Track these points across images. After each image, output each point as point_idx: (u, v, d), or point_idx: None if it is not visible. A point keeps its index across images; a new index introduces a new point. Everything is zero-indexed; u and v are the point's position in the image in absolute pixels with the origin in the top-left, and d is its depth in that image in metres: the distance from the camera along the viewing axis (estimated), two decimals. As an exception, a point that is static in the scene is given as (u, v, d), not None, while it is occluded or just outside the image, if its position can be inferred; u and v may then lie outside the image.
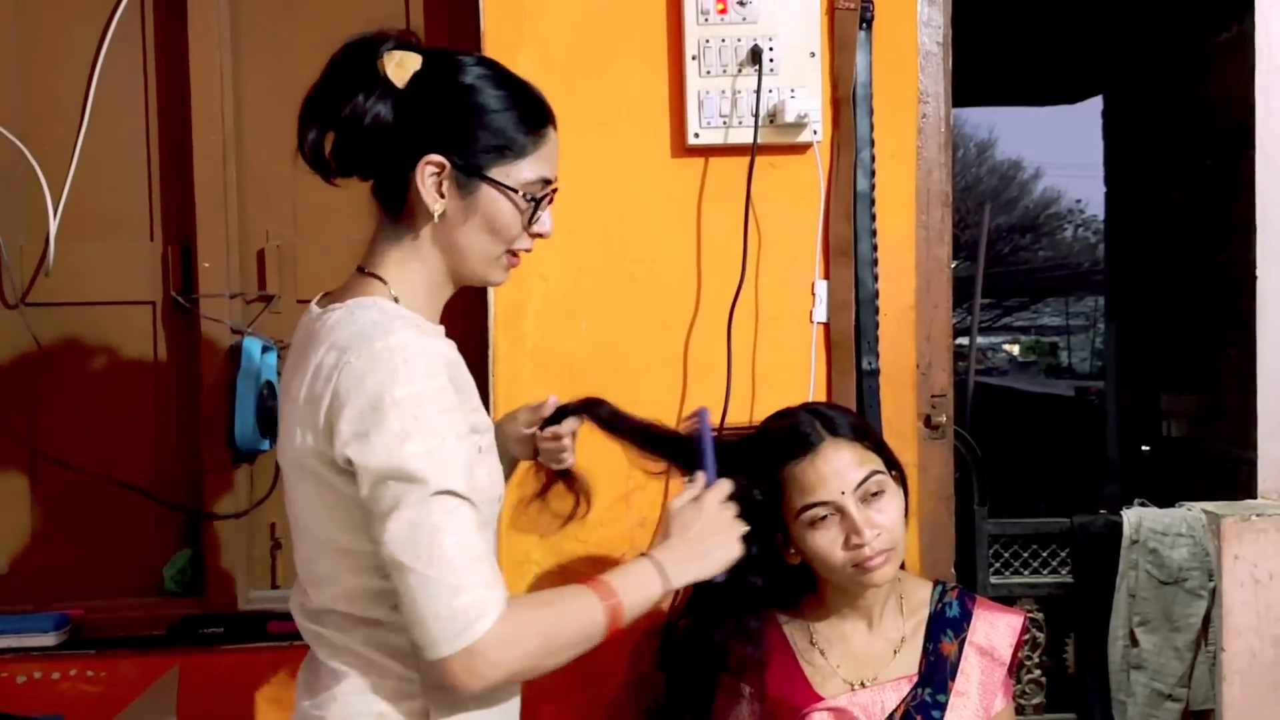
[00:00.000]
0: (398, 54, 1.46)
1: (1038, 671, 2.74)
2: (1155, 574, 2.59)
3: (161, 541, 2.50)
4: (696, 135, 2.27)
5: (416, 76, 1.46)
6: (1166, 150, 5.97)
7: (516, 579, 2.27)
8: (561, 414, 1.73)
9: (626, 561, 2.18)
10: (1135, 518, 2.62)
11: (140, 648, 2.32)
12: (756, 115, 2.22)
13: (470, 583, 1.32)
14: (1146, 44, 5.90)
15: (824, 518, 1.67)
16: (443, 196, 1.46)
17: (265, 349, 2.41)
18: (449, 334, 1.56)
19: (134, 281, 2.48)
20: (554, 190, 1.55)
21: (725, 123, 2.26)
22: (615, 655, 2.18)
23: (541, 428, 1.74)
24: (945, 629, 1.77)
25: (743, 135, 2.24)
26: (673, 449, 1.72)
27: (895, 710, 1.71)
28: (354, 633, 1.45)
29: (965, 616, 1.78)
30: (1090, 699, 2.65)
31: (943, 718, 1.71)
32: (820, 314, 2.32)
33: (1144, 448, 6.30)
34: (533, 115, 1.50)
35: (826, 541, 1.68)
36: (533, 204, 1.50)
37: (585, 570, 2.26)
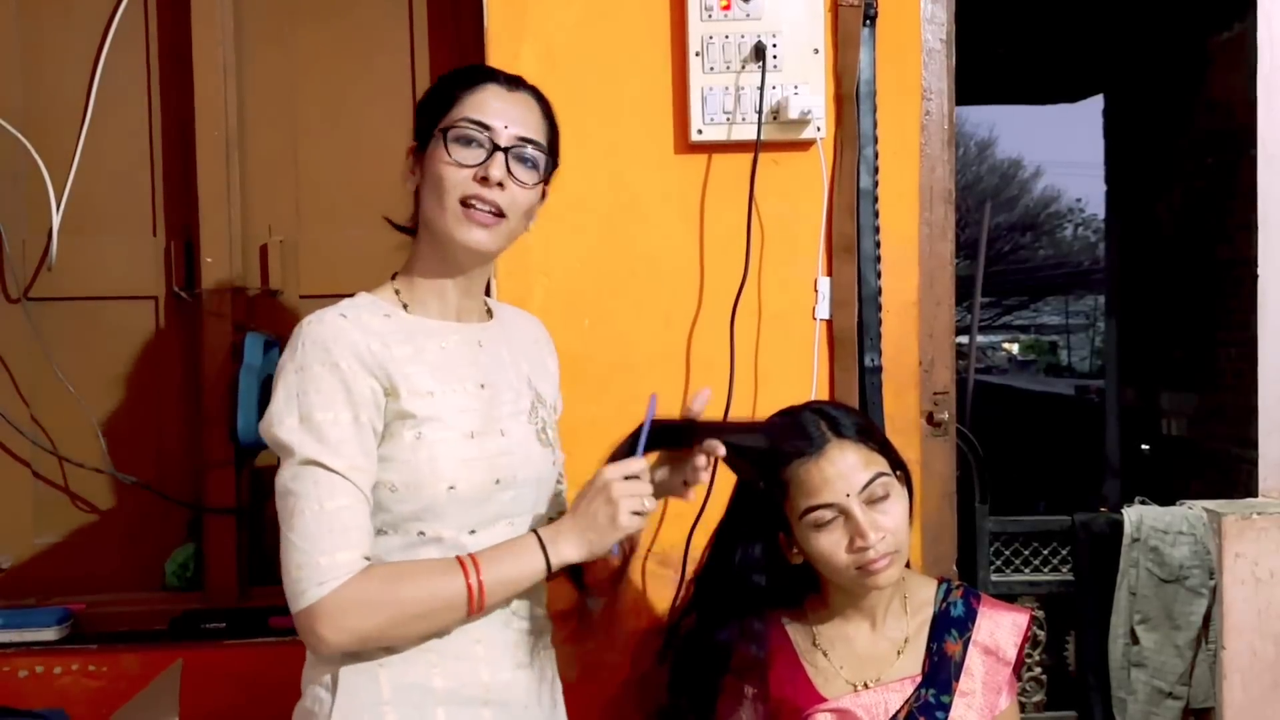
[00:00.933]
0: None
1: (1038, 669, 2.74)
2: (1156, 572, 2.59)
3: (163, 536, 2.50)
4: (700, 132, 2.26)
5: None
6: (1167, 149, 5.97)
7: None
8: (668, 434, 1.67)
9: (645, 569, 2.24)
10: (1136, 516, 2.62)
11: (142, 642, 2.32)
12: (760, 112, 2.22)
13: (322, 548, 1.42)
14: (1147, 43, 5.91)
15: (828, 520, 1.66)
16: (414, 173, 1.62)
17: (268, 344, 2.40)
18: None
19: (136, 276, 2.48)
20: (511, 147, 1.58)
21: (728, 119, 2.25)
22: (617, 654, 2.19)
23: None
24: (950, 629, 1.76)
25: (746, 132, 2.24)
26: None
27: (899, 711, 1.70)
28: None
29: (970, 616, 1.76)
30: (1091, 697, 2.65)
31: (947, 718, 1.70)
32: (823, 311, 2.32)
33: (1144, 446, 6.30)
34: (473, 74, 1.62)
35: (830, 544, 1.66)
36: (457, 142, 1.56)
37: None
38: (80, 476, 2.46)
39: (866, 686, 1.72)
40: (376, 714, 1.50)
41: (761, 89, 2.22)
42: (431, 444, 1.51)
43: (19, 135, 2.41)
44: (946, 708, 1.71)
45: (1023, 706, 2.70)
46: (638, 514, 1.51)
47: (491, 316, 1.72)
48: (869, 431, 1.73)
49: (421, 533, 1.52)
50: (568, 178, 2.29)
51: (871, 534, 1.63)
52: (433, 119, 1.59)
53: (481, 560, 1.49)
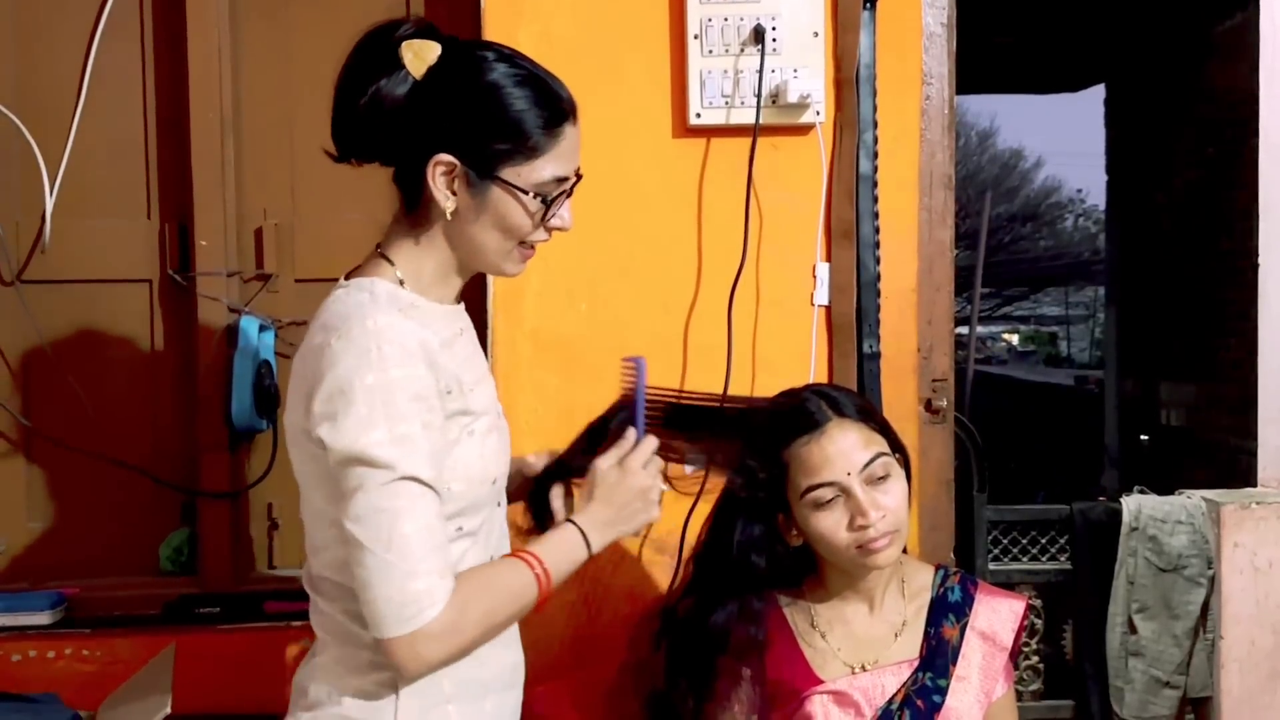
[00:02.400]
0: (416, 43, 1.45)
1: (1036, 658, 2.73)
2: (1154, 561, 2.59)
3: (158, 521, 2.49)
4: (698, 115, 2.25)
5: (434, 69, 1.45)
6: (1168, 139, 5.96)
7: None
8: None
9: (623, 546, 2.23)
10: (1135, 505, 2.61)
11: (136, 627, 2.31)
12: (759, 95, 2.20)
13: (424, 570, 1.35)
14: (1149, 32, 5.89)
15: (829, 499, 1.66)
16: (454, 194, 1.46)
17: (262, 328, 2.40)
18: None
19: (131, 259, 2.47)
20: (574, 183, 1.54)
21: (727, 103, 2.24)
22: (614, 638, 2.18)
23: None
24: (947, 613, 1.76)
25: (745, 116, 2.23)
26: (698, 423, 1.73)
27: (895, 694, 1.70)
28: (338, 601, 1.47)
29: (967, 601, 1.76)
30: (1088, 686, 2.64)
31: (943, 702, 1.70)
32: (821, 297, 2.30)
33: (1143, 437, 6.30)
34: (550, 113, 1.47)
35: (831, 523, 1.66)
36: (544, 204, 1.49)
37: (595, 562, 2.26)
38: (74, 460, 2.45)
39: (864, 669, 1.72)
40: (443, 714, 1.48)
41: (761, 72, 2.20)
42: (480, 440, 1.50)
43: (12, 117, 2.40)
44: (943, 691, 1.70)
45: (1020, 695, 2.69)
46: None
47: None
48: (869, 412, 1.73)
49: (460, 527, 1.48)
50: (565, 161, 2.28)
51: (872, 512, 1.63)
52: (500, 152, 1.45)
53: (538, 552, 1.48)
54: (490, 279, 2.26)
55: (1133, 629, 2.59)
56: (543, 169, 1.47)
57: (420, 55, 1.44)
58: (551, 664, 2.24)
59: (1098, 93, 7.02)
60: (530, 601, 1.47)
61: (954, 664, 1.72)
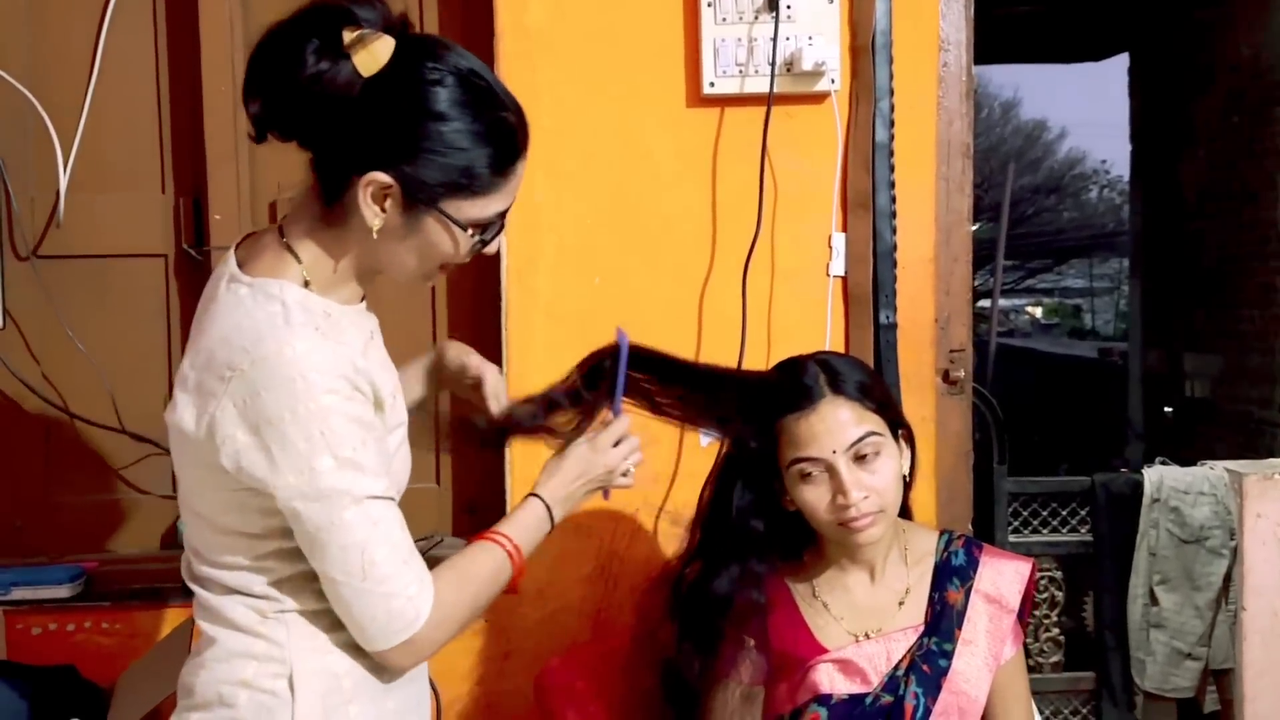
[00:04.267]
0: (369, 36, 1.32)
1: (1056, 630, 2.73)
2: (1176, 532, 2.57)
3: (175, 494, 2.49)
4: (712, 84, 2.23)
5: (383, 74, 1.32)
6: (1192, 108, 5.89)
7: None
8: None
9: (639, 519, 2.23)
10: (1157, 476, 2.60)
11: (154, 600, 2.32)
12: (773, 64, 2.18)
13: (401, 588, 1.35)
14: (1171, 0, 5.82)
15: (812, 474, 1.66)
16: (384, 212, 1.36)
17: (277, 302, 2.39)
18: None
19: (146, 234, 2.47)
20: (505, 215, 1.45)
21: (741, 71, 2.22)
22: (632, 610, 2.18)
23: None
24: (951, 577, 1.75)
25: (759, 84, 2.20)
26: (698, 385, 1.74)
27: (901, 660, 1.70)
28: (227, 599, 1.42)
29: (971, 565, 1.76)
30: (1109, 657, 2.63)
31: (950, 666, 1.69)
32: (837, 267, 2.28)
33: (1167, 409, 6.26)
34: (501, 152, 1.38)
35: (814, 497, 1.67)
36: (479, 240, 1.41)
37: (595, 525, 2.26)
38: (92, 435, 2.45)
39: (868, 636, 1.72)
40: (344, 715, 1.42)
41: (775, 40, 2.17)
42: (404, 448, 1.49)
43: (26, 92, 2.39)
44: (949, 655, 1.70)
45: (1040, 667, 2.69)
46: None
47: None
48: (868, 389, 1.71)
49: None
50: (577, 133, 2.27)
51: (854, 493, 1.62)
52: (443, 187, 1.36)
53: (508, 532, 1.50)
54: (505, 252, 2.25)
55: (1154, 601, 2.58)
56: (486, 207, 1.39)
57: (372, 53, 1.32)
58: (570, 637, 2.25)
59: (1121, 62, 6.96)
60: (507, 579, 1.49)
61: (959, 628, 1.71)
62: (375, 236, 1.37)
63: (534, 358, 2.25)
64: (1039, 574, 2.66)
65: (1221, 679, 2.61)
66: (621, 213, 2.28)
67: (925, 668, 1.69)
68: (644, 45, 2.26)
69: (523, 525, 1.52)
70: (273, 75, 1.34)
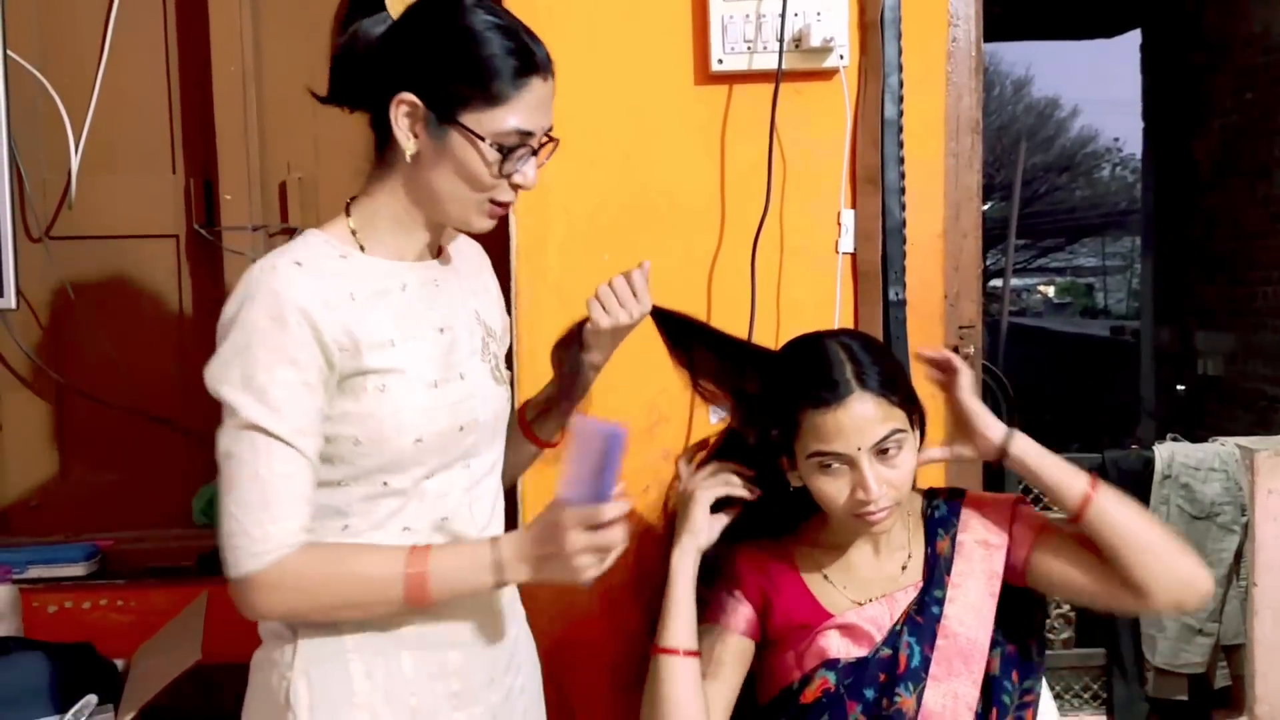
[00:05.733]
0: None
1: (1066, 607, 2.73)
2: (1187, 508, 2.57)
3: (190, 473, 2.51)
4: (720, 61, 2.22)
5: (411, 9, 1.44)
6: (1205, 84, 5.86)
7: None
8: None
9: (649, 494, 2.23)
10: (1168, 452, 2.60)
11: (169, 578, 2.35)
12: (781, 40, 2.17)
13: (250, 520, 1.35)
14: (1186, -26, 5.78)
15: (833, 467, 1.64)
16: (416, 136, 1.44)
17: (288, 282, 2.40)
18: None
19: (157, 215, 2.49)
20: (542, 143, 1.50)
21: (749, 48, 2.21)
22: (634, 584, 2.19)
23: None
24: (937, 529, 1.76)
25: (767, 61, 2.20)
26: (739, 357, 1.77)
27: (900, 615, 1.71)
28: None
29: (954, 512, 1.76)
30: (1120, 633, 2.64)
31: (941, 613, 1.70)
32: (846, 244, 2.28)
33: (1179, 387, 6.25)
34: (518, 63, 1.44)
35: (833, 490, 1.65)
36: (501, 154, 1.45)
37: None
38: (105, 414, 2.48)
39: (871, 600, 1.72)
40: (342, 664, 1.46)
41: (783, 16, 2.17)
42: (395, 397, 1.45)
43: (37, 73, 2.41)
44: (940, 602, 1.70)
45: (1051, 644, 2.69)
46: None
47: (442, 251, 1.63)
48: (893, 383, 1.67)
49: (385, 483, 1.46)
50: (585, 111, 2.26)
51: (875, 489, 1.61)
52: (461, 95, 1.42)
53: (432, 558, 1.41)
54: (514, 231, 2.25)
55: (1164, 576, 2.57)
56: (504, 118, 1.43)
57: None
58: (580, 612, 2.25)
59: (1133, 38, 6.92)
60: (392, 597, 1.40)
61: (949, 574, 1.72)
62: (411, 161, 1.44)
63: (544, 336, 2.24)
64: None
65: (1232, 654, 2.62)
66: (630, 191, 2.27)
67: (919, 618, 1.69)
68: (651, 22, 2.25)
69: (456, 562, 1.43)
70: (332, 51, 1.48)
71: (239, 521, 1.35)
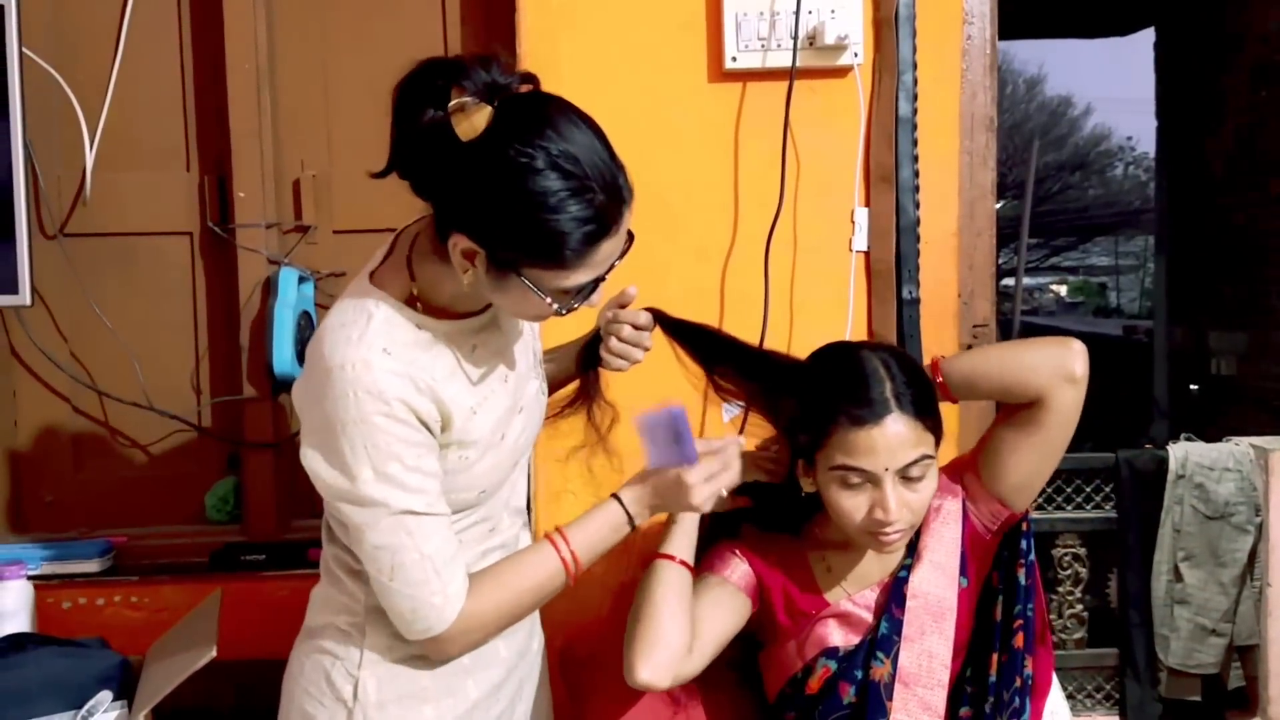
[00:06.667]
0: (471, 108, 1.33)
1: (1079, 607, 2.72)
2: (1201, 509, 2.56)
3: (203, 470, 2.52)
4: (734, 59, 2.22)
5: (481, 140, 1.33)
6: (1219, 83, 5.83)
7: (556, 510, 2.28)
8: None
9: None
10: (1181, 452, 2.58)
11: (183, 574, 2.36)
12: (795, 37, 2.17)
13: (426, 595, 1.44)
14: (1200, -28, 5.76)
15: (856, 483, 1.63)
16: (473, 267, 1.39)
17: (302, 279, 2.41)
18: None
19: (171, 212, 2.49)
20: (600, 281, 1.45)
21: (763, 46, 2.21)
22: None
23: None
24: None
25: (781, 59, 2.20)
26: (748, 364, 1.79)
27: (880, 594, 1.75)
28: (329, 546, 1.59)
29: None
30: (1133, 634, 2.62)
31: (910, 576, 1.72)
32: (860, 242, 2.28)
33: (1192, 386, 6.22)
34: (592, 229, 1.35)
35: (852, 505, 1.64)
36: (567, 306, 1.42)
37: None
38: (119, 411, 2.48)
39: (866, 589, 1.75)
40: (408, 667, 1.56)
41: (797, 14, 2.17)
42: (472, 462, 1.52)
43: (52, 71, 2.41)
44: (908, 567, 1.74)
45: (1063, 643, 2.68)
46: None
47: None
48: (927, 406, 1.65)
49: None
50: (599, 108, 2.24)
51: (895, 510, 1.61)
52: (524, 258, 1.36)
53: (571, 536, 1.55)
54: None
55: (1178, 577, 2.56)
56: (569, 279, 1.39)
57: (471, 122, 1.33)
58: (593, 609, 2.25)
59: (1147, 36, 6.89)
60: (558, 585, 1.55)
61: (918, 543, 1.75)
62: (466, 289, 1.42)
63: (558, 337, 2.25)
64: (1065, 549, 2.67)
65: (1246, 655, 2.60)
66: (644, 188, 2.22)
67: (890, 586, 1.73)
68: (665, 20, 2.25)
69: (592, 528, 1.57)
70: (396, 119, 1.39)
71: (417, 599, 1.44)
